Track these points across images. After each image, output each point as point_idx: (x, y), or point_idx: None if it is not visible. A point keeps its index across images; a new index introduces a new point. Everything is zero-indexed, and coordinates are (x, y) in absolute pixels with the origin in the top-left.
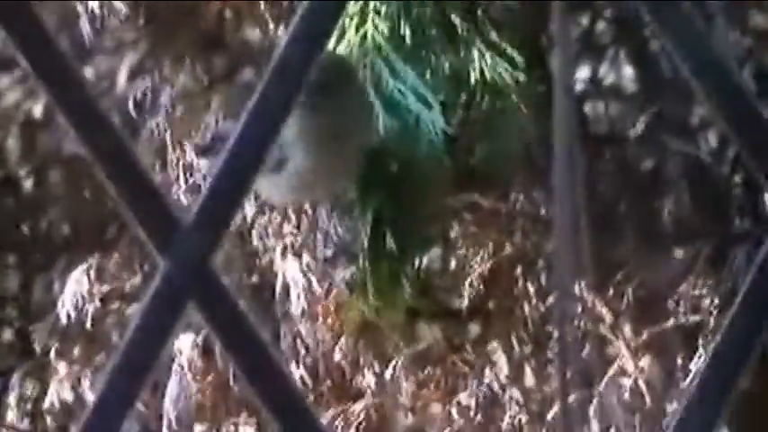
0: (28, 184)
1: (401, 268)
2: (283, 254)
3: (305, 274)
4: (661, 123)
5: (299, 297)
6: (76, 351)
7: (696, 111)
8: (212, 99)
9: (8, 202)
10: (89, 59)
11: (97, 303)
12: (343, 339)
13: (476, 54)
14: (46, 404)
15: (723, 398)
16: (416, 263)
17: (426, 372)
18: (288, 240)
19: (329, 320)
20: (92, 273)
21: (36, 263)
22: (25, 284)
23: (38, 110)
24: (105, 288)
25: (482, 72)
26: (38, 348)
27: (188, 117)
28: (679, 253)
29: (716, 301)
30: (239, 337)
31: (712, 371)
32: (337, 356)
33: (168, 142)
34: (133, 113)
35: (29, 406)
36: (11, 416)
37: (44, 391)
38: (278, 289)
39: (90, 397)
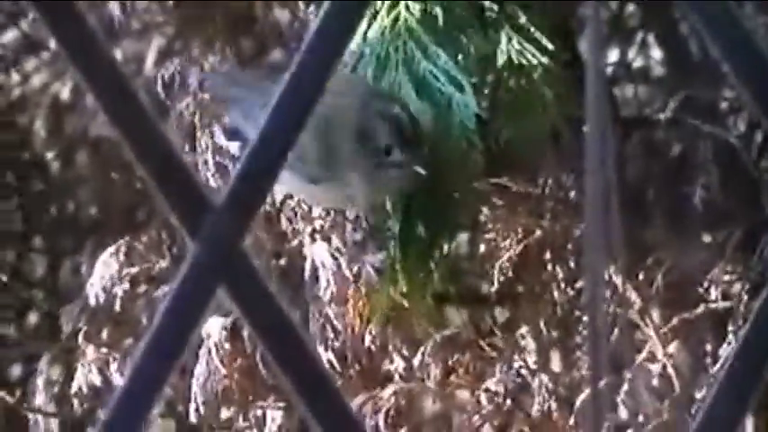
0: (55, 166)
1: (431, 253)
2: (312, 237)
3: (334, 258)
4: (690, 107)
5: (327, 281)
6: (104, 335)
7: (725, 95)
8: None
9: (35, 185)
10: (118, 41)
11: (126, 286)
12: (371, 324)
13: (504, 38)
14: (73, 388)
15: (752, 386)
16: (446, 247)
17: (455, 357)
18: (317, 223)
19: (358, 305)
20: (120, 255)
21: (64, 246)
22: (53, 268)
23: (65, 92)
24: (134, 270)
25: (510, 55)
26: (65, 332)
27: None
28: (709, 238)
29: (746, 286)
30: (269, 321)
31: (741, 359)
32: (366, 341)
33: (197, 125)
34: (162, 95)
35: (56, 390)
36: (39, 399)
37: (71, 375)
38: (307, 272)
39: (118, 381)
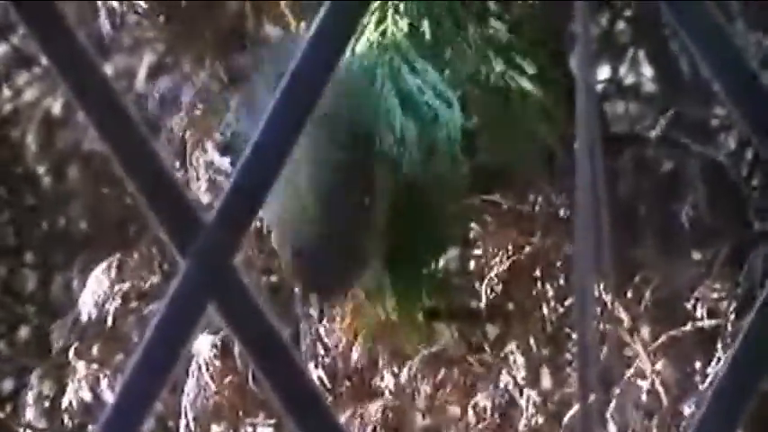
0: (47, 181)
1: (419, 271)
2: None
3: None
4: (680, 124)
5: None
6: (95, 351)
7: (715, 112)
8: (232, 97)
9: (27, 200)
10: (108, 57)
11: (117, 302)
12: (360, 340)
13: (490, 56)
14: (64, 403)
15: (741, 404)
16: (435, 264)
17: (444, 373)
18: None
19: (346, 323)
20: (112, 271)
21: (55, 261)
22: (44, 282)
23: (57, 107)
24: (125, 286)
25: (491, 74)
26: (56, 347)
27: (208, 115)
28: (697, 255)
29: (734, 304)
30: (259, 337)
31: (731, 377)
32: (355, 357)
33: (188, 141)
34: (153, 111)
35: (47, 405)
36: (29, 414)
37: (62, 390)
38: (297, 289)
39: (108, 397)
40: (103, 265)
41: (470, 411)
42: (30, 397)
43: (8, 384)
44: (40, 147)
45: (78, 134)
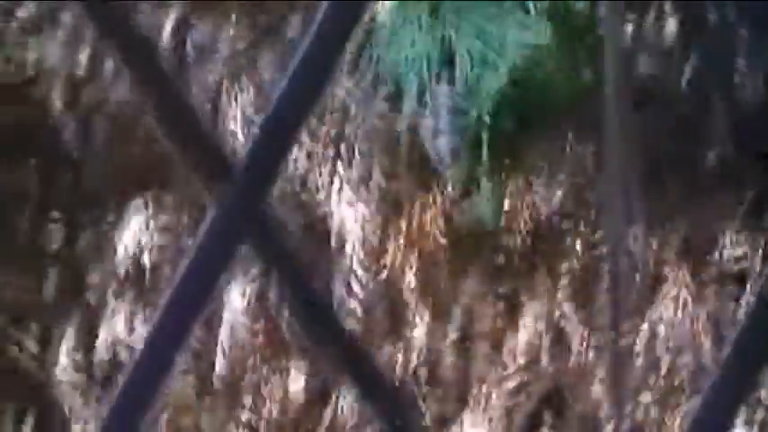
0: (73, 135)
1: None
2: (338, 196)
3: (359, 214)
4: (705, 74)
5: (353, 244)
6: (130, 301)
7: (739, 62)
8: (258, 54)
9: (54, 154)
10: (137, 12)
11: (155, 238)
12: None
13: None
14: (98, 344)
15: (761, 356)
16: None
17: (473, 317)
18: (341, 181)
19: (404, 238)
20: (149, 206)
21: (83, 213)
22: (70, 238)
23: (82, 64)
24: (163, 220)
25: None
26: (91, 297)
27: (235, 70)
28: (723, 200)
29: (761, 247)
30: (290, 278)
31: (749, 330)
32: (414, 269)
33: (219, 91)
34: (188, 58)
35: (80, 347)
36: (61, 364)
37: (95, 335)
38: (333, 230)
39: (141, 339)
40: (139, 200)
41: (499, 355)
42: (63, 347)
43: (42, 328)
44: (65, 103)
45: (104, 89)
